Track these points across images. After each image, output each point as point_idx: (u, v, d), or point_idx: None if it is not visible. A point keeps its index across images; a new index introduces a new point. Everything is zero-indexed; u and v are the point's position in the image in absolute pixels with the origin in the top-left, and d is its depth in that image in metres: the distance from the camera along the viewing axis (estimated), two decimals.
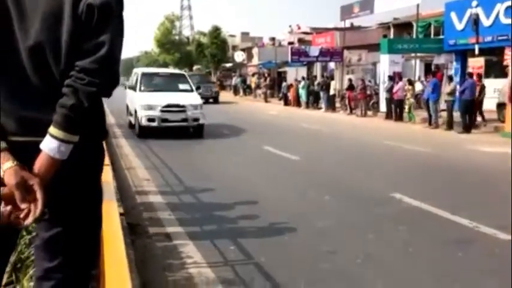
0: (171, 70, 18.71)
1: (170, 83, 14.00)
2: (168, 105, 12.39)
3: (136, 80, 13.93)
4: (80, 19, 1.48)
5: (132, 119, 13.68)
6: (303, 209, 5.86)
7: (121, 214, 4.70)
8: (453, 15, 19.78)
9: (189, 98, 12.99)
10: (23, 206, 1.40)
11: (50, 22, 1.49)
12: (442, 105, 15.83)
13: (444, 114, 15.46)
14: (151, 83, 14.03)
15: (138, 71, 15.11)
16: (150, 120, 12.27)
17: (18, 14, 1.50)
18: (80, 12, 1.48)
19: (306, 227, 5.05)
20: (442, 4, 21.14)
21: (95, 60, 1.46)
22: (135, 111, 12.78)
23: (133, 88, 13.93)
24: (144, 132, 12.38)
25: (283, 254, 4.29)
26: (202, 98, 30.00)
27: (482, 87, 15.45)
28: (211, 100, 28.50)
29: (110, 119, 19.26)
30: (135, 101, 12.98)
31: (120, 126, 16.08)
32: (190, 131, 13.01)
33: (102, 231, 1.31)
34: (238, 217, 5.39)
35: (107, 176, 1.94)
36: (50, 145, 1.45)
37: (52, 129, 1.45)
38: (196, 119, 12.62)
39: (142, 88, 13.42)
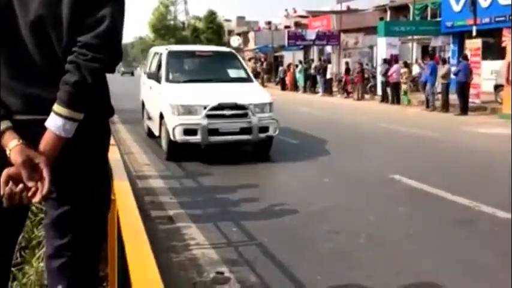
0: (212, 47, 12.57)
1: (215, 69, 8.90)
2: (220, 106, 7.31)
3: (160, 63, 8.75)
4: None
5: (154, 126, 8.82)
6: (303, 192, 5.90)
7: None
8: None
9: (251, 93, 8.02)
10: (30, 184, 1.40)
11: None
12: (439, 88, 15.84)
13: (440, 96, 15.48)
14: (184, 68, 9.16)
15: (159, 49, 9.82)
16: (189, 132, 7.23)
17: None
18: None
19: (306, 209, 5.08)
20: None
21: (96, 35, 1.43)
22: (161, 116, 7.81)
23: (154, 77, 8.71)
24: (177, 152, 7.48)
25: (285, 235, 4.33)
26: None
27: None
28: None
29: None
30: (161, 100, 7.95)
31: (116, 112, 16.02)
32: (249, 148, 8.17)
33: (118, 210, 1.30)
34: (240, 200, 5.42)
35: (115, 155, 1.93)
36: (55, 123, 1.43)
37: (56, 107, 1.43)
38: (264, 129, 7.59)
39: (171, 77, 8.31)
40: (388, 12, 29.26)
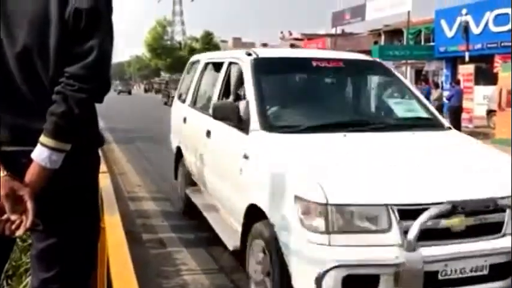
0: (340, 53, 5.63)
1: (359, 98, 4.62)
2: (454, 209, 2.56)
3: (236, 85, 4.29)
4: (68, 24, 1.45)
5: (221, 223, 4.25)
6: None
7: None
8: (443, 23, 20.04)
9: (485, 164, 3.18)
10: (13, 217, 1.38)
11: (37, 28, 1.46)
12: None
13: None
14: (295, 96, 4.15)
15: (223, 56, 5.15)
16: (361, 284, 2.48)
17: (5, 21, 1.47)
18: (67, 17, 1.45)
19: None
20: (432, 11, 21.43)
21: (84, 66, 1.43)
22: (249, 215, 3.25)
23: (221, 114, 3.68)
24: None
25: None
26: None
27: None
28: None
29: (100, 122, 19.22)
30: (257, 178, 3.21)
31: (111, 131, 16.03)
32: None
33: (107, 242, 1.29)
34: None
35: (106, 182, 1.92)
36: (40, 154, 1.43)
37: (43, 138, 1.43)
38: None
39: (274, 120, 3.53)
40: (383, 36, 29.76)
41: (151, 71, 68.37)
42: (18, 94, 1.50)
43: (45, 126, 1.43)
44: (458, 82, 15.50)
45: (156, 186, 7.30)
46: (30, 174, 1.43)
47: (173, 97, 22.27)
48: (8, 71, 1.49)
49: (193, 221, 5.51)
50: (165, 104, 30.44)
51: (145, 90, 64.42)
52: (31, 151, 1.44)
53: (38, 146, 1.43)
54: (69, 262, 1.58)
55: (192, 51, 50.70)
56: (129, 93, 56.37)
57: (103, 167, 2.23)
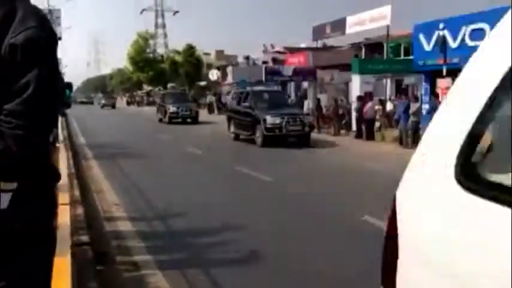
0: None
1: None
2: None
3: None
4: (4, 60, 1.42)
5: None
6: (274, 234, 5.83)
7: (87, 243, 4.60)
8: (421, 37, 20.33)
9: None
10: None
11: None
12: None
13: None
14: None
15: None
16: None
17: None
18: (3, 53, 1.42)
19: (275, 254, 5.00)
20: (411, 25, 21.75)
21: (21, 102, 1.40)
22: None
23: None
24: None
25: (252, 283, 4.24)
26: (179, 117, 27.16)
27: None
28: (189, 120, 26.98)
29: (80, 139, 19.02)
30: None
31: (91, 147, 15.84)
32: None
33: None
34: (209, 244, 5.31)
35: (64, 218, 1.86)
36: None
37: None
38: None
39: None
40: (363, 50, 30.09)
41: (133, 84, 67.94)
42: None
43: None
44: (437, 96, 15.71)
45: (134, 206, 7.20)
46: None
47: (172, 113, 23.33)
48: None
49: (170, 241, 5.46)
50: (160, 121, 27.71)
51: (128, 103, 63.88)
52: None
53: None
54: None
55: (174, 63, 50.70)
56: (113, 106, 53.89)
57: (65, 197, 2.17)
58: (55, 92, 1.52)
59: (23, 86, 1.41)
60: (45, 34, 1.47)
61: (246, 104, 17.20)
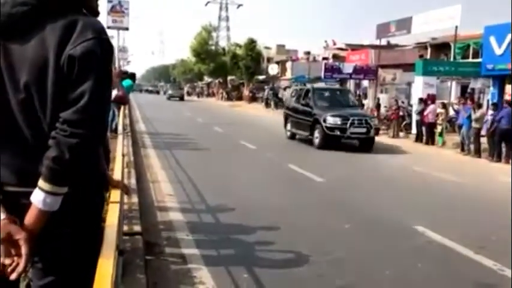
0: None
1: None
2: None
3: None
4: (63, 70, 1.49)
5: None
6: (322, 237, 5.79)
7: (139, 233, 4.78)
8: (492, 39, 19.34)
9: None
10: (7, 261, 1.44)
11: (37, 74, 1.51)
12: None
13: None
14: None
15: None
16: None
17: (8, 66, 1.53)
18: (62, 64, 1.49)
19: (322, 257, 4.97)
20: (481, 26, 20.71)
21: (76, 111, 1.47)
22: None
23: None
24: None
25: (295, 286, 4.24)
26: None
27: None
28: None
29: (141, 126, 19.70)
30: None
31: (150, 134, 16.38)
32: None
33: None
34: (256, 242, 5.36)
35: (113, 218, 1.94)
36: (37, 197, 1.48)
37: (40, 181, 1.48)
38: None
39: None
40: (429, 50, 28.99)
41: (194, 75, 69.27)
42: (22, 138, 1.56)
43: (42, 169, 1.48)
44: (509, 103, 14.83)
45: (186, 196, 7.39)
46: (28, 216, 1.48)
47: (332, 128, 14.12)
48: (13, 116, 1.55)
49: (217, 236, 5.56)
50: (292, 138, 17.02)
51: (188, 93, 64.83)
52: (31, 193, 1.49)
53: (36, 188, 1.49)
54: None
55: (235, 57, 51.17)
56: (181, 98, 49.35)
57: (116, 195, 2.27)
58: (108, 102, 1.60)
59: (78, 95, 1.48)
60: (102, 46, 1.53)
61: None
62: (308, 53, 43.44)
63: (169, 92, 52.17)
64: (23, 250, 1.43)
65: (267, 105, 39.50)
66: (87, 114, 1.48)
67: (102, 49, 1.53)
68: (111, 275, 1.31)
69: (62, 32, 1.50)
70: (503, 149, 13.76)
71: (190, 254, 4.84)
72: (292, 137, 16.95)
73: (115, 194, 2.29)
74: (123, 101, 9.50)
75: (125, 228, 4.71)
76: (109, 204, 2.19)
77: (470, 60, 23.41)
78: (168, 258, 4.68)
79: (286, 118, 17.58)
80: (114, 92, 6.77)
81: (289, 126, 17.24)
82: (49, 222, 1.50)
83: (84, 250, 1.64)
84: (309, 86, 17.74)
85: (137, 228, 4.94)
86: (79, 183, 1.55)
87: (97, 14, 1.72)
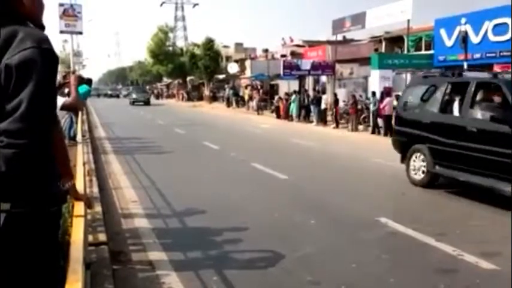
0: None
1: None
2: None
3: None
4: (0, 81, 1.44)
5: None
6: (289, 234, 5.87)
7: (104, 243, 4.70)
8: (443, 32, 20.04)
9: None
10: None
11: None
12: None
13: None
14: None
15: None
16: None
17: None
18: None
19: (290, 254, 5.04)
20: (432, 19, 21.43)
21: (12, 120, 1.41)
22: None
23: None
24: None
25: (265, 285, 4.29)
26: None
27: None
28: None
29: (100, 131, 19.30)
30: None
31: (109, 140, 16.07)
32: None
33: None
34: (224, 243, 5.38)
35: (78, 232, 1.91)
36: None
37: None
38: None
39: None
40: (383, 44, 29.68)
41: (153, 76, 68.39)
42: None
43: None
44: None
45: (151, 203, 7.30)
46: None
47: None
48: None
49: (185, 240, 5.54)
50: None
51: (157, 97, 62.63)
52: None
53: None
54: None
55: (193, 57, 50.80)
56: (147, 103, 44.00)
57: (80, 208, 2.24)
58: (50, 112, 1.51)
59: (16, 104, 1.42)
60: (42, 55, 1.47)
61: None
62: (266, 50, 43.61)
63: (133, 95, 46.62)
64: None
65: (228, 104, 39.51)
66: (25, 123, 1.41)
67: (42, 58, 1.47)
68: None
69: (1, 43, 1.46)
70: None
71: (158, 260, 4.81)
72: (433, 180, 8.46)
73: (78, 207, 2.25)
74: (72, 108, 9.15)
75: (90, 238, 4.62)
76: (73, 217, 2.16)
77: (423, 52, 24.15)
78: (136, 266, 4.63)
79: (414, 143, 8.80)
80: (62, 100, 6.56)
81: (421, 160, 8.56)
82: None
83: (42, 266, 1.56)
84: (470, 75, 8.49)
85: (102, 237, 4.86)
86: (21, 198, 1.47)
87: (43, 27, 1.66)
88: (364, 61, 25.07)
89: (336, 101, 22.35)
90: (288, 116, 26.34)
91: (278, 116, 27.54)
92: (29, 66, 1.44)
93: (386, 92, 18.95)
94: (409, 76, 23.84)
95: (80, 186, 3.39)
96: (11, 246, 1.50)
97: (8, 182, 1.41)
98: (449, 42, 19.63)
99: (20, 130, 1.40)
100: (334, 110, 22.16)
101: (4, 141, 1.40)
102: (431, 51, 22.15)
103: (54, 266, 1.62)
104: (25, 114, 1.41)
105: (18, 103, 1.42)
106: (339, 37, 30.02)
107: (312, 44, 35.11)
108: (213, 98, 46.39)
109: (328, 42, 31.58)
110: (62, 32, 23.34)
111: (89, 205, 2.78)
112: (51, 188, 1.62)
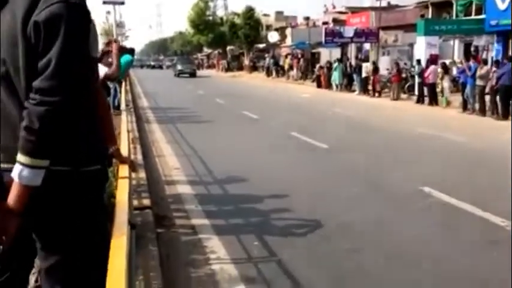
0: None
1: None
2: None
3: None
4: (30, 40, 1.43)
5: None
6: (330, 202, 5.83)
7: (149, 207, 4.83)
8: None
9: None
10: None
11: (10, 48, 1.47)
12: None
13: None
14: None
15: None
16: None
17: None
18: (28, 33, 1.43)
19: (332, 222, 5.02)
20: None
21: (44, 78, 1.40)
22: None
23: None
24: None
25: (306, 251, 4.30)
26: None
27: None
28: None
29: (143, 101, 19.65)
30: None
31: (152, 109, 16.35)
32: None
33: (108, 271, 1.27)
34: (264, 210, 5.41)
35: (123, 193, 1.94)
36: (15, 171, 1.42)
37: (18, 154, 1.43)
38: None
39: None
40: (430, 9, 28.43)
41: (193, 47, 68.51)
42: (5, 113, 1.53)
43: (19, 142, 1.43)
44: (510, 59, 14.64)
45: (194, 170, 7.41)
46: (11, 192, 1.43)
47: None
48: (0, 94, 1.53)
49: (226, 206, 5.61)
50: None
51: (197, 67, 62.51)
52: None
53: (16, 163, 1.43)
54: (73, 282, 1.55)
55: (233, 26, 50.44)
56: (193, 75, 41.14)
57: (125, 171, 2.27)
58: (81, 67, 1.48)
59: (46, 62, 1.42)
60: (70, 10, 1.44)
61: None
62: (307, 18, 42.81)
63: (178, 66, 42.92)
64: (5, 226, 1.40)
65: (268, 73, 39.19)
66: (56, 80, 1.40)
67: (70, 13, 1.44)
68: (125, 249, 1.32)
69: (29, 0, 1.45)
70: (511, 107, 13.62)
71: (200, 224, 4.90)
72: None
73: (123, 170, 2.29)
74: (113, 78, 9.24)
75: (135, 202, 4.75)
76: (118, 179, 2.20)
77: (473, 17, 22.95)
78: (179, 229, 4.74)
79: None
80: (104, 70, 6.62)
81: None
82: (41, 199, 1.46)
83: (88, 227, 1.58)
84: None
85: (147, 202, 4.99)
86: (59, 156, 1.48)
87: None
88: (410, 28, 24.13)
89: (375, 69, 21.68)
90: (329, 85, 25.89)
91: (319, 85, 27.11)
92: (56, 22, 1.42)
93: (432, 60, 18.24)
94: (457, 43, 22.90)
95: (124, 151, 3.47)
96: (54, 206, 1.53)
97: (43, 139, 1.41)
98: (502, 5, 18.50)
99: (51, 87, 1.40)
100: (372, 78, 21.57)
101: (37, 99, 1.40)
102: (482, 16, 21.02)
103: (100, 228, 1.62)
104: (55, 72, 1.41)
105: (48, 60, 1.42)
106: (383, 3, 29.01)
107: (355, 10, 34.08)
108: (253, 68, 46.09)
109: (372, 8, 30.54)
110: (104, 2, 23.56)
111: (133, 168, 2.83)
112: (91, 148, 1.61)
